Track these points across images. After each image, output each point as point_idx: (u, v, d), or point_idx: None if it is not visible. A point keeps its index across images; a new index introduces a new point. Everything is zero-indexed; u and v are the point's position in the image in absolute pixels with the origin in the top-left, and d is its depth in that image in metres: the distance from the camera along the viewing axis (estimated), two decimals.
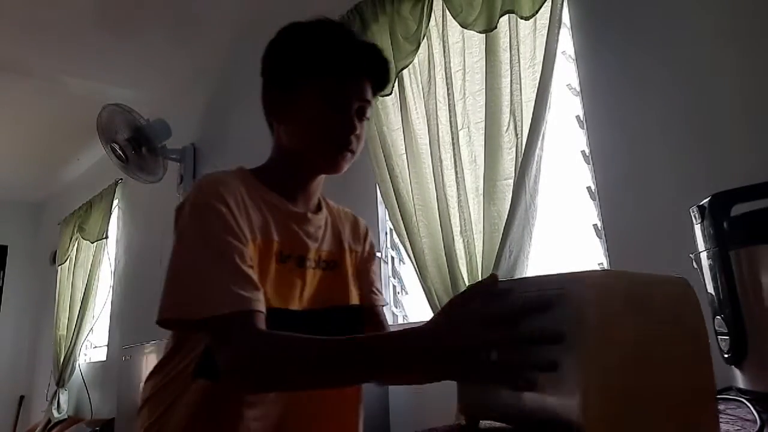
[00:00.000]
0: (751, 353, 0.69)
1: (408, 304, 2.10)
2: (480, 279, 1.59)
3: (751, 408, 0.64)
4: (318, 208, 1.01)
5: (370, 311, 1.02)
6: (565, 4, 1.60)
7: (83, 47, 3.12)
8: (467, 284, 1.65)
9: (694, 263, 0.80)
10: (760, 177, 0.74)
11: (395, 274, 2.14)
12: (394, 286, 2.12)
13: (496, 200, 1.62)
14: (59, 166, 4.80)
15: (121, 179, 4.04)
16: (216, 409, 0.82)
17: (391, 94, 2.00)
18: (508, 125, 1.63)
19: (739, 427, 0.61)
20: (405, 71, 1.95)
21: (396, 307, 2.10)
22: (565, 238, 1.69)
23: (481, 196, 1.66)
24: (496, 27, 1.68)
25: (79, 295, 4.23)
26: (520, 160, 1.57)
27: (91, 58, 3.23)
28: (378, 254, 2.07)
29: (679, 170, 1.37)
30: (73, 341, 4.12)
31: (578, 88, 1.62)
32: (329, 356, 0.72)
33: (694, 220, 0.79)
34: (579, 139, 1.62)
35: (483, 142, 1.67)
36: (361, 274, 1.04)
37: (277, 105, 0.94)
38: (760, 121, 1.25)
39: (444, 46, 1.85)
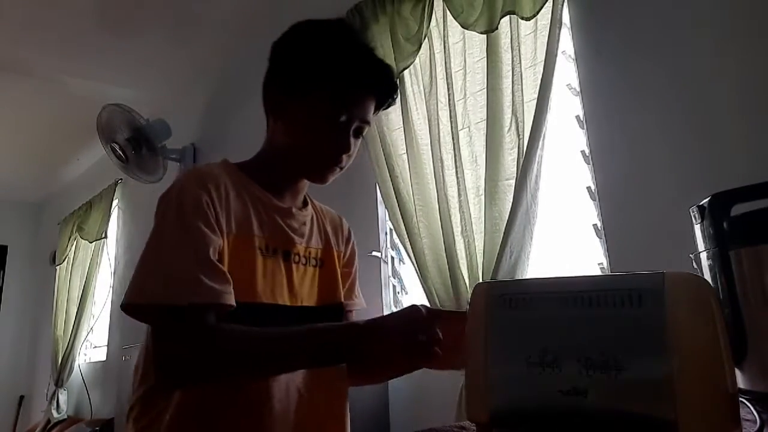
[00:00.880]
0: (751, 353, 0.69)
1: (408, 304, 2.09)
2: (480, 279, 1.59)
3: (751, 408, 0.64)
4: (304, 205, 1.01)
5: (345, 315, 1.03)
6: (566, 4, 1.60)
7: (83, 47, 3.12)
8: (468, 284, 1.65)
9: (694, 263, 0.80)
10: (760, 177, 0.73)
11: (395, 274, 2.14)
12: (394, 286, 2.12)
13: (497, 200, 1.62)
14: (59, 166, 4.80)
15: (121, 179, 4.04)
16: (204, 411, 0.82)
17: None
18: (510, 125, 1.63)
19: None
20: (406, 72, 1.95)
21: (396, 307, 2.10)
22: (566, 238, 1.69)
23: (482, 197, 1.66)
24: (497, 27, 1.68)
25: (77, 295, 4.22)
26: (521, 160, 1.57)
27: (91, 58, 3.23)
28: (377, 254, 2.08)
29: (679, 170, 1.37)
30: (72, 341, 4.13)
31: (578, 88, 1.62)
32: (270, 345, 0.77)
33: (694, 220, 0.79)
34: (579, 139, 1.62)
35: (484, 143, 1.67)
36: (342, 276, 1.04)
37: (278, 102, 0.92)
38: (760, 121, 1.25)
39: (445, 47, 1.85)
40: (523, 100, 1.61)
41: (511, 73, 1.64)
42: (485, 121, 1.68)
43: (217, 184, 0.85)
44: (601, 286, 0.59)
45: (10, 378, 5.32)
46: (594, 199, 1.56)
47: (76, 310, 4.16)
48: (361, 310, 1.07)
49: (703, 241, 0.77)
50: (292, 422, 0.87)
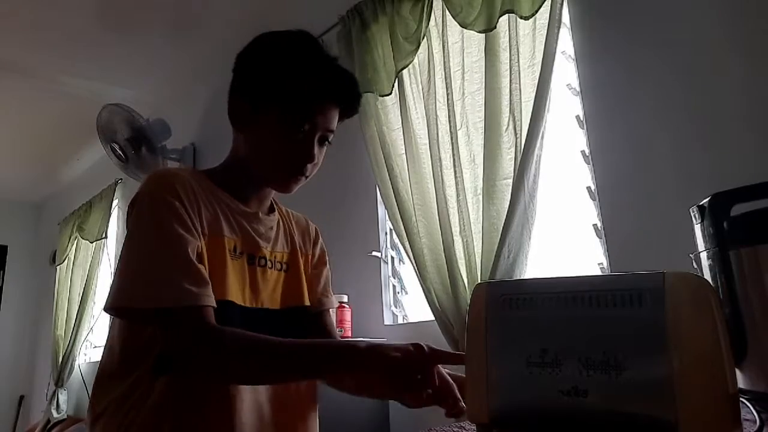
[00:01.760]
0: (751, 353, 0.69)
1: (408, 304, 2.10)
2: (479, 279, 1.59)
3: (751, 408, 0.64)
4: (270, 210, 1.02)
5: (318, 314, 1.04)
6: (565, 3, 1.60)
7: (83, 47, 3.11)
8: (466, 284, 1.65)
9: (694, 263, 0.80)
10: (760, 177, 0.73)
11: (395, 274, 2.14)
12: (394, 286, 2.12)
13: (495, 200, 1.61)
14: (59, 166, 4.80)
15: (121, 179, 4.04)
16: (183, 405, 0.82)
17: (390, 94, 2.00)
18: (508, 125, 1.63)
19: None
20: (405, 71, 1.95)
21: (396, 307, 2.10)
22: (565, 238, 1.69)
23: (480, 196, 1.66)
24: (495, 27, 1.68)
25: (78, 295, 4.23)
26: (519, 159, 1.57)
27: (91, 58, 3.23)
28: (377, 254, 2.08)
29: (679, 170, 1.37)
30: (72, 341, 4.12)
31: (578, 88, 1.62)
32: (275, 355, 0.77)
33: (693, 220, 0.79)
34: (579, 139, 1.62)
35: (482, 142, 1.67)
36: (311, 278, 1.05)
37: (241, 114, 0.93)
38: (760, 121, 1.25)
39: (443, 46, 1.85)
40: (521, 99, 1.61)
41: (509, 72, 1.64)
42: (483, 121, 1.68)
43: (185, 186, 0.85)
44: (601, 286, 0.59)
45: (10, 378, 5.32)
46: (594, 199, 1.56)
47: (76, 310, 4.16)
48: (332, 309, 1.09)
49: (703, 241, 0.77)
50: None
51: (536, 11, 1.59)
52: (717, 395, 0.53)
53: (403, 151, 1.91)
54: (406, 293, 2.11)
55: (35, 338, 5.32)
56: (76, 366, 4.17)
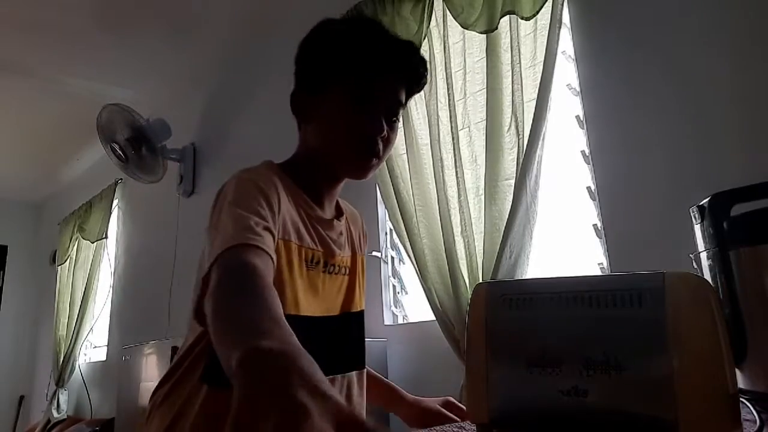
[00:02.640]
0: (751, 353, 0.69)
1: (408, 304, 2.10)
2: (480, 279, 1.59)
3: (751, 408, 0.64)
4: (339, 213, 0.99)
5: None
6: (566, 4, 1.61)
7: (83, 47, 3.12)
8: (467, 284, 1.65)
9: (694, 263, 0.80)
10: (760, 177, 0.73)
11: (395, 274, 2.14)
12: (394, 286, 2.12)
13: (496, 200, 1.62)
14: (59, 166, 4.80)
15: (121, 179, 4.04)
16: (221, 421, 0.79)
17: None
18: (509, 125, 1.63)
19: None
20: None
21: (396, 307, 2.10)
22: (566, 238, 1.69)
23: (482, 196, 1.66)
24: (496, 27, 1.68)
25: (79, 295, 4.23)
26: (521, 160, 1.57)
27: (91, 58, 3.23)
28: (378, 254, 2.08)
29: (679, 170, 1.37)
30: (73, 341, 4.12)
31: (578, 88, 1.62)
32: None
33: (693, 220, 0.79)
34: (579, 139, 1.62)
35: (484, 142, 1.67)
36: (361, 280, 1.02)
37: (303, 105, 0.90)
38: (760, 121, 1.25)
39: (445, 47, 1.85)
40: (522, 100, 1.61)
41: (510, 73, 1.64)
42: (485, 121, 1.68)
43: (272, 186, 0.81)
44: (601, 286, 0.59)
45: (10, 378, 5.32)
46: (594, 199, 1.56)
47: (78, 310, 4.16)
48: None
49: (703, 241, 0.77)
50: None
51: (537, 12, 1.60)
52: (717, 395, 0.53)
53: (404, 152, 1.91)
54: (406, 293, 2.11)
55: (35, 338, 5.32)
56: (76, 366, 4.17)
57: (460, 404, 1.01)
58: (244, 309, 0.57)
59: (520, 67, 1.63)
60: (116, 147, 3.27)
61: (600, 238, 1.53)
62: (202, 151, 3.37)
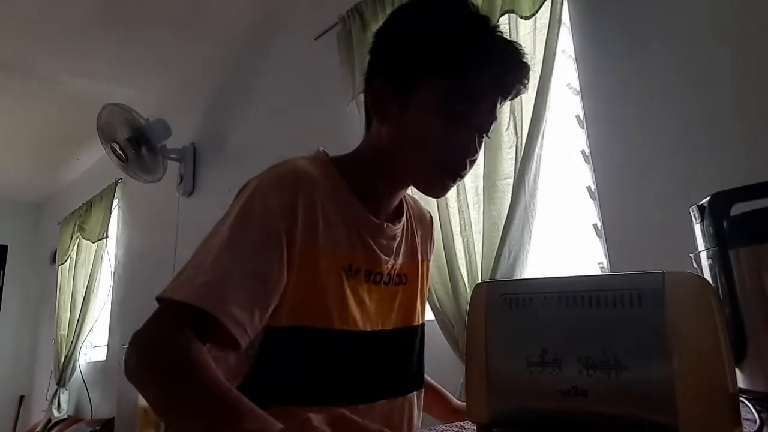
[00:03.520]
0: (751, 353, 0.69)
1: None
2: (479, 279, 1.59)
3: (751, 408, 0.64)
4: (398, 214, 0.88)
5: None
6: (565, 3, 1.60)
7: (83, 47, 3.12)
8: (467, 284, 1.65)
9: (694, 263, 0.80)
10: (760, 177, 0.73)
11: None
12: None
13: (495, 200, 1.61)
14: (59, 166, 4.80)
15: (121, 179, 4.04)
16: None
17: None
18: (508, 124, 1.63)
19: None
20: None
21: None
22: (565, 237, 1.69)
23: (481, 196, 1.66)
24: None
25: (79, 295, 4.23)
26: (519, 159, 1.57)
27: (91, 58, 3.23)
28: None
29: (679, 170, 1.37)
30: (74, 341, 4.13)
31: (578, 88, 1.62)
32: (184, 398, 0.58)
33: (693, 220, 0.79)
34: (579, 139, 1.62)
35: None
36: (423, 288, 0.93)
37: (385, 101, 0.77)
38: (761, 121, 1.25)
39: None
40: (521, 99, 1.61)
41: None
42: None
43: (310, 189, 0.73)
44: (601, 286, 0.59)
45: (10, 378, 5.32)
46: (594, 199, 1.56)
47: (79, 310, 4.16)
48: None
49: (703, 241, 0.77)
50: None
51: (536, 11, 1.59)
52: (717, 395, 0.53)
53: None
54: None
55: (35, 338, 5.32)
56: (77, 366, 4.17)
57: None
58: (193, 393, 0.57)
59: None
60: (116, 147, 3.27)
61: (600, 237, 1.53)
62: (202, 151, 3.37)
